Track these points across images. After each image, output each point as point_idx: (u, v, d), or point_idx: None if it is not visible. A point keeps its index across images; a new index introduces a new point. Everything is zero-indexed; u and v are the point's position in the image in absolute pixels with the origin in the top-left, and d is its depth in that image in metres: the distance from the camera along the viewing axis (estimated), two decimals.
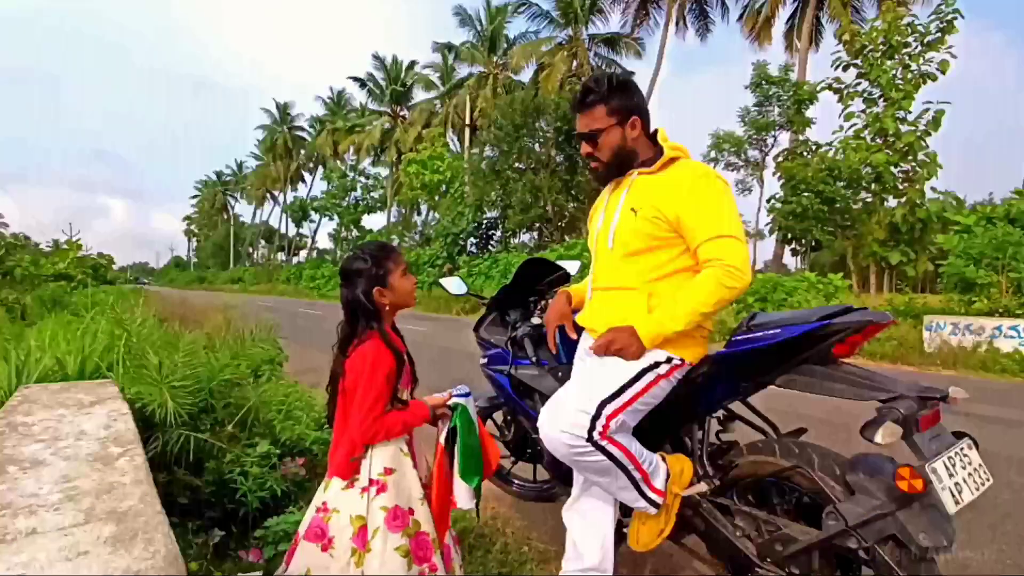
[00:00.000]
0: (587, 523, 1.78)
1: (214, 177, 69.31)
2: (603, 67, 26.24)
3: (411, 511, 1.56)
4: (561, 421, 1.53)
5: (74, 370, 3.08)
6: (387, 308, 1.60)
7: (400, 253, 1.67)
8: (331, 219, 38.73)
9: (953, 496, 1.24)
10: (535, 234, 23.11)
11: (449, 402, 1.67)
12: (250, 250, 65.29)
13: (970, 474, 1.29)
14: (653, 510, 1.66)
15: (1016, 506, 2.99)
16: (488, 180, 21.62)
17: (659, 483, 1.67)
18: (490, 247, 23.97)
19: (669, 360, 1.60)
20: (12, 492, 1.35)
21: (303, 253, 54.15)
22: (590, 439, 1.50)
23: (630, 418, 1.58)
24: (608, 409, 1.51)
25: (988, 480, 1.32)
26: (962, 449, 1.32)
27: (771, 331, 1.50)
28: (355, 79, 38.22)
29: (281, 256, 57.37)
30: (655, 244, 1.64)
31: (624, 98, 1.70)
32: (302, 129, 50.40)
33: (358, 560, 1.47)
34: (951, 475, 1.26)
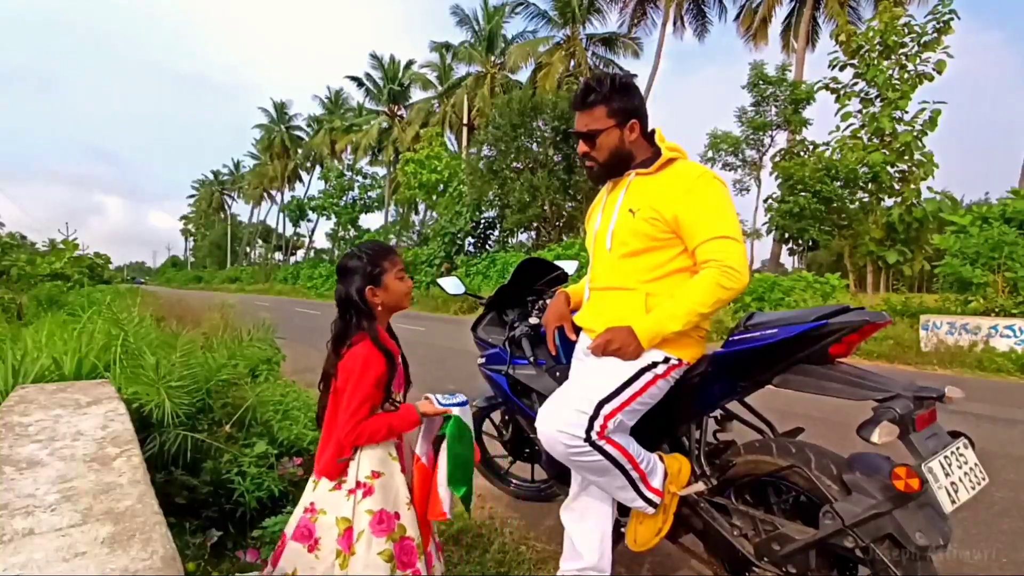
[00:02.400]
0: (584, 522, 1.78)
1: (211, 176, 69.20)
2: (601, 67, 26.24)
3: (397, 515, 1.55)
4: (559, 421, 1.53)
5: (71, 370, 3.07)
6: (379, 308, 1.60)
7: (397, 254, 1.66)
8: (328, 218, 38.64)
9: (949, 495, 1.24)
10: (533, 234, 23.09)
11: (445, 412, 1.64)
12: (247, 249, 65.15)
13: (966, 473, 1.30)
14: (651, 509, 1.66)
15: (1013, 504, 3.00)
16: (486, 180, 21.60)
17: (657, 483, 1.67)
18: (488, 247, 23.96)
19: (667, 360, 1.60)
20: (9, 493, 1.34)
21: (301, 253, 54.06)
22: (588, 439, 1.50)
23: (628, 418, 1.58)
24: (606, 409, 1.51)
25: (984, 479, 1.33)
26: (958, 448, 1.32)
27: (768, 331, 1.50)
28: (352, 78, 38.18)
29: (278, 256, 57.24)
30: (653, 245, 1.64)
31: (625, 100, 1.69)
32: (300, 128, 50.34)
33: (343, 562, 1.46)
34: (947, 474, 1.26)
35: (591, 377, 1.60)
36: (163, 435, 2.50)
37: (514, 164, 21.33)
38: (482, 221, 23.40)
